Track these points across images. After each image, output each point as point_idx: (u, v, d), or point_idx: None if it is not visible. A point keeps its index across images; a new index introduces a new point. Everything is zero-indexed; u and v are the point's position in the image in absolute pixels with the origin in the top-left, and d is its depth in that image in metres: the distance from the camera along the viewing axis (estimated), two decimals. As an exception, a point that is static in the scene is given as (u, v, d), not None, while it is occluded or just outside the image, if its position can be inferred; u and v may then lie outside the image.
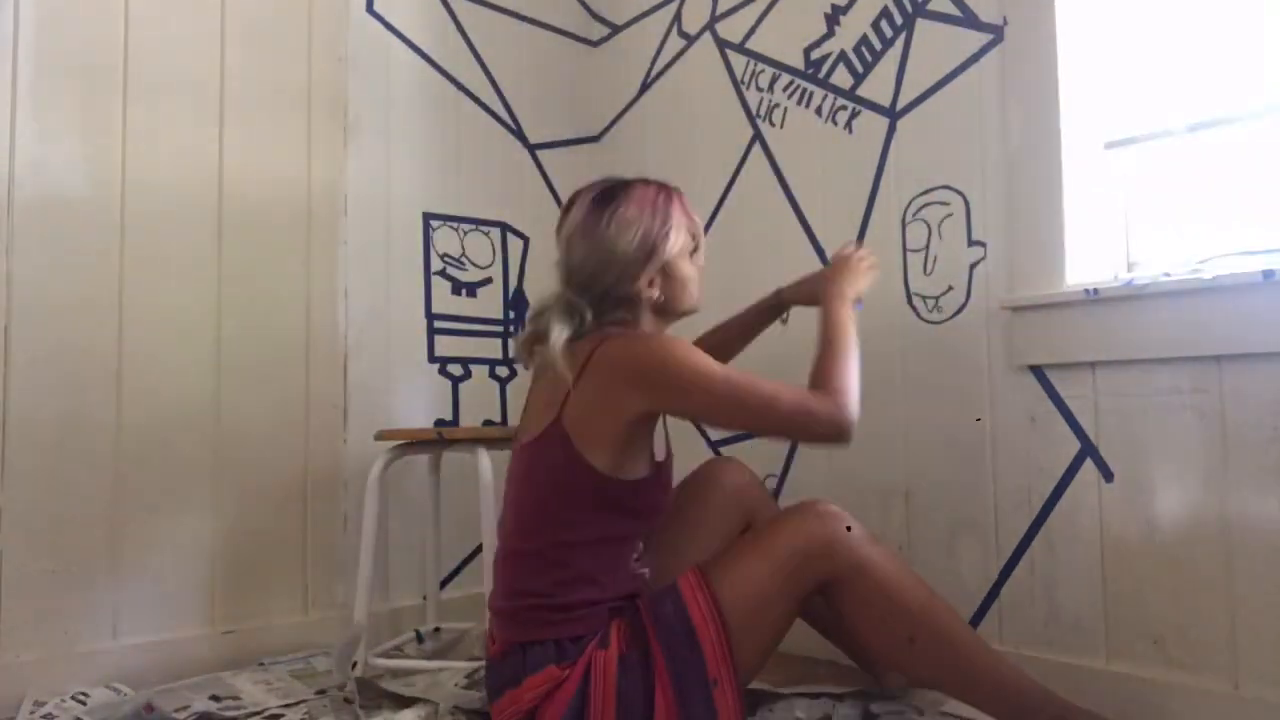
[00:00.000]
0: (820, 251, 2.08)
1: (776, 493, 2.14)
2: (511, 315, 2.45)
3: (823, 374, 1.38)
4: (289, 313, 2.13)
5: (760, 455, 2.17)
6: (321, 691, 1.80)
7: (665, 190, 1.47)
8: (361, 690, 1.74)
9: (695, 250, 1.49)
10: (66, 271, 1.84)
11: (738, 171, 2.26)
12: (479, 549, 2.05)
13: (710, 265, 1.58)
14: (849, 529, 1.37)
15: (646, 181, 1.48)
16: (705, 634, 1.30)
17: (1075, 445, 1.66)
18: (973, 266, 1.82)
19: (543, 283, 2.48)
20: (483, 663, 1.77)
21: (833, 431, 1.33)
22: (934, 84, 1.88)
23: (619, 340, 1.36)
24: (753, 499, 1.69)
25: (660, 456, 1.47)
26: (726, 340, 1.79)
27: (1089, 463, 1.64)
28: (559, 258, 1.47)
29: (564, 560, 1.36)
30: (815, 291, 1.60)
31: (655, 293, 1.43)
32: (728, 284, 1.91)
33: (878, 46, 1.99)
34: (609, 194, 1.44)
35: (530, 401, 1.49)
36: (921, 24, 1.91)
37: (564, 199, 2.56)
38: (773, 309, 1.78)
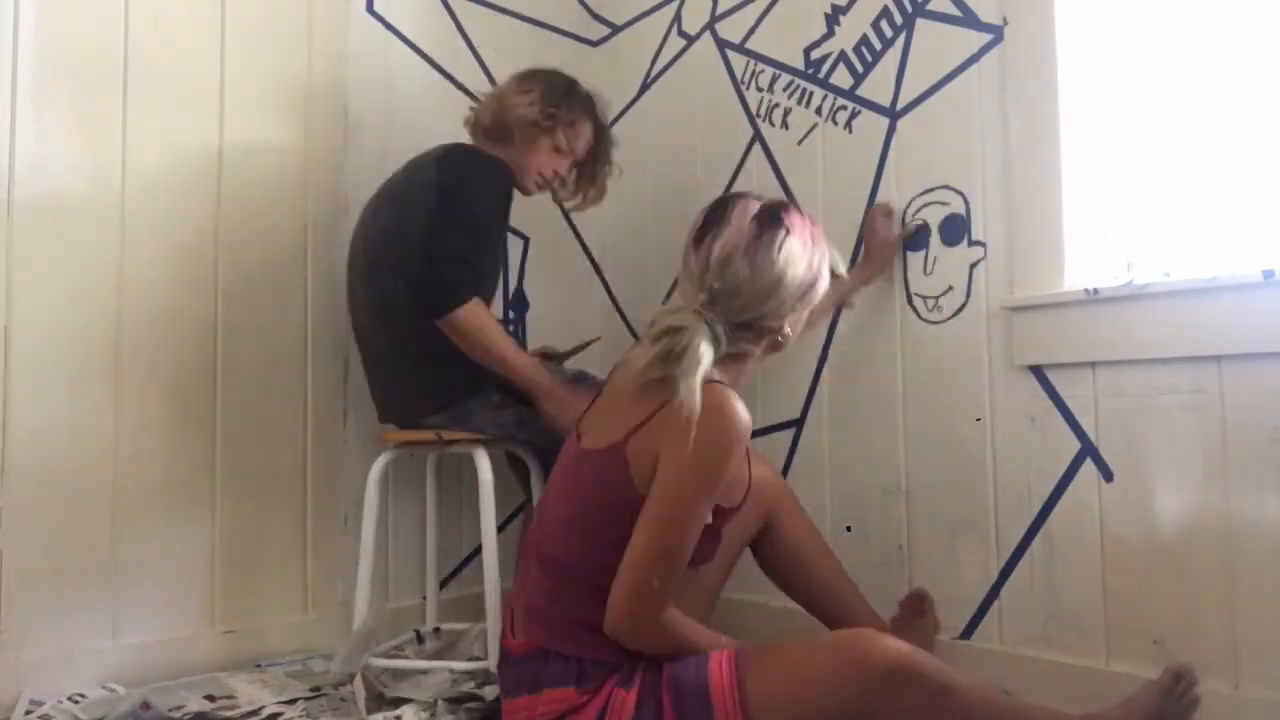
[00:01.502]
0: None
1: (776, 493, 2.14)
2: (511, 315, 2.45)
3: (682, 630, 1.30)
4: (289, 313, 2.13)
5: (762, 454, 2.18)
6: (317, 689, 1.81)
7: (813, 222, 1.41)
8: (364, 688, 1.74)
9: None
10: (66, 271, 1.84)
11: (738, 171, 2.26)
12: (479, 549, 2.05)
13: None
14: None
15: (799, 209, 1.40)
16: (720, 705, 1.21)
17: (1075, 445, 1.66)
18: (973, 266, 1.81)
19: (543, 282, 2.50)
20: (482, 663, 1.78)
21: (622, 636, 1.27)
22: (934, 84, 1.88)
23: (703, 402, 1.23)
24: (773, 494, 1.67)
25: (728, 504, 1.38)
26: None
27: (1089, 463, 1.64)
28: (702, 270, 1.33)
29: (602, 584, 1.27)
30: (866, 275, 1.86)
31: (792, 331, 1.38)
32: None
33: (878, 46, 1.99)
34: (774, 216, 1.35)
35: (604, 403, 1.42)
36: (921, 24, 1.91)
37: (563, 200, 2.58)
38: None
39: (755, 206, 1.37)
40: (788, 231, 1.34)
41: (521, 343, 1.93)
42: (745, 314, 1.32)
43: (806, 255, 1.35)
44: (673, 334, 1.27)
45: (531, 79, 1.98)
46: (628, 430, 1.30)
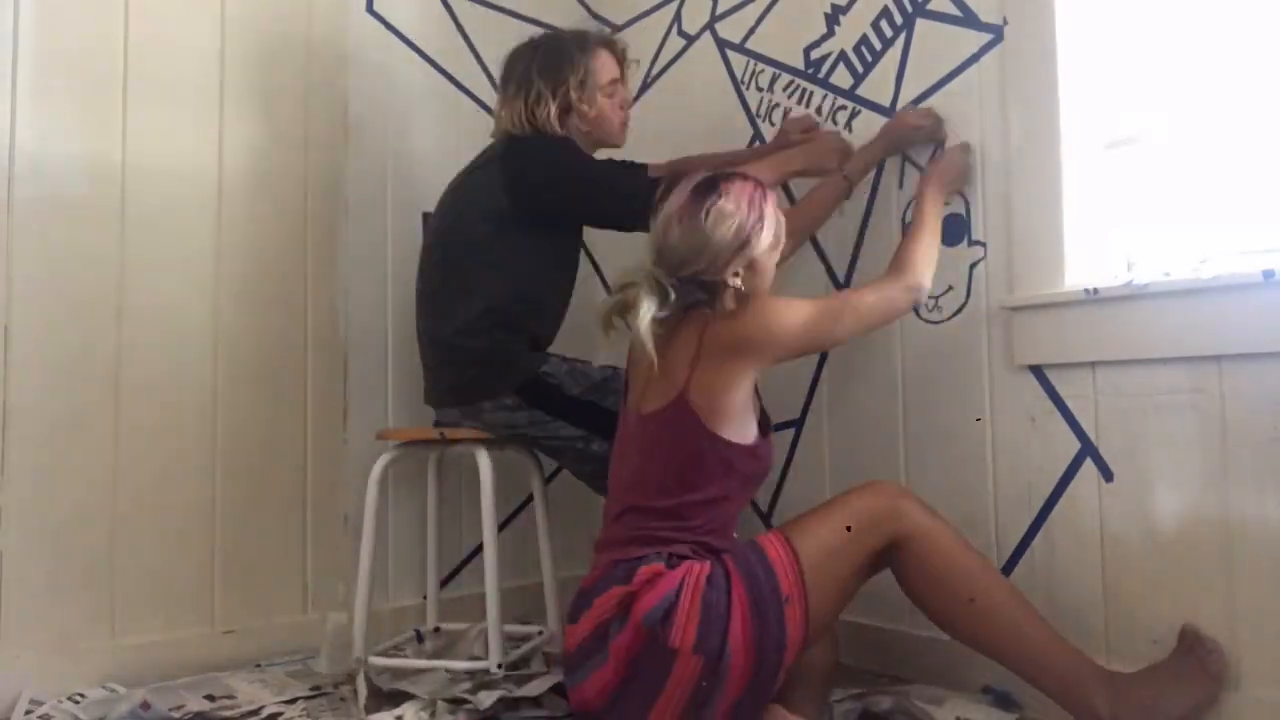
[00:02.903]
0: (820, 251, 2.08)
1: (777, 489, 2.14)
2: (511, 315, 2.45)
3: (903, 256, 1.62)
4: (289, 313, 2.13)
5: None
6: (317, 689, 1.81)
7: (760, 187, 1.55)
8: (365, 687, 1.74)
9: (777, 247, 1.57)
10: (66, 271, 1.85)
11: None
12: (479, 549, 2.05)
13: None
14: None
15: (745, 177, 1.56)
16: (780, 565, 1.44)
17: (1075, 445, 1.66)
18: (972, 266, 1.82)
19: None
20: (482, 663, 1.78)
21: (910, 301, 1.62)
22: (934, 84, 1.88)
23: (728, 320, 1.49)
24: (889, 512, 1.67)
25: (758, 415, 1.58)
26: (806, 221, 1.90)
27: (1089, 462, 1.64)
28: (652, 238, 1.55)
29: (685, 514, 1.48)
30: (876, 154, 1.90)
31: (738, 282, 1.51)
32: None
33: (878, 46, 1.99)
34: (710, 184, 1.52)
35: (638, 372, 1.58)
36: (921, 24, 1.91)
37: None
38: (845, 188, 1.89)
39: (694, 181, 1.54)
40: (719, 196, 1.50)
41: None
42: (685, 270, 1.50)
43: (738, 217, 1.49)
44: (624, 289, 1.53)
45: (528, 86, 1.92)
46: (682, 381, 1.49)
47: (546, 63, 1.93)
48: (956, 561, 1.48)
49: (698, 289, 1.52)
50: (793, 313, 1.52)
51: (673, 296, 1.50)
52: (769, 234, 1.52)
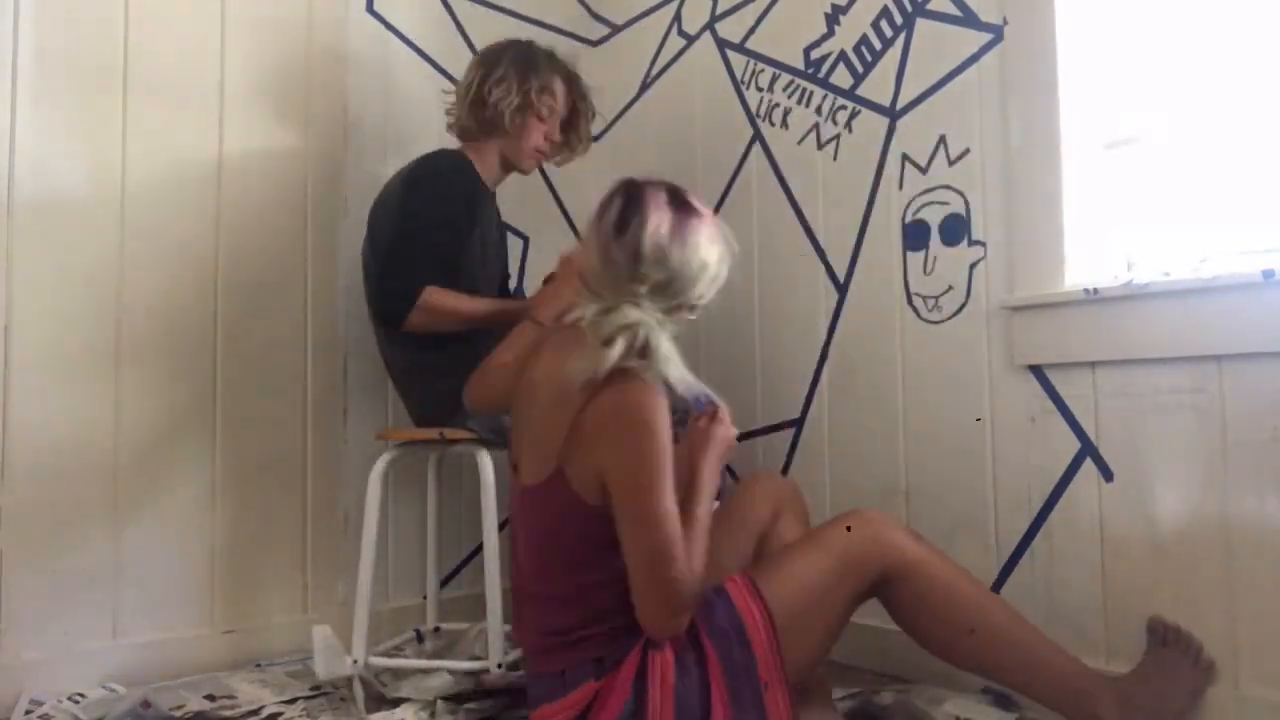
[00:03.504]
0: (820, 251, 2.08)
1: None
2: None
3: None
4: (289, 313, 2.12)
5: (760, 455, 2.18)
6: (317, 689, 1.81)
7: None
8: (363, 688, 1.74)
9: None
10: (66, 271, 1.84)
11: (737, 171, 2.26)
12: (479, 549, 2.05)
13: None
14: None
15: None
16: (757, 638, 1.30)
17: (1075, 445, 1.66)
18: (972, 266, 1.82)
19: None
20: (482, 662, 1.78)
21: (665, 629, 1.29)
22: (934, 83, 1.88)
23: (621, 392, 1.28)
24: (785, 498, 1.61)
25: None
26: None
27: (1089, 462, 1.64)
28: (631, 261, 1.32)
29: (586, 599, 1.33)
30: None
31: (693, 316, 1.41)
32: (726, 285, 1.91)
33: (878, 46, 1.99)
34: (687, 203, 1.38)
35: (520, 430, 1.42)
36: (921, 24, 1.91)
37: (563, 199, 2.58)
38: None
39: (663, 194, 1.37)
40: (701, 214, 1.38)
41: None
42: (677, 299, 1.36)
43: (718, 236, 1.40)
44: (627, 331, 1.29)
45: (493, 63, 1.96)
46: (556, 456, 1.31)
47: (520, 59, 1.96)
48: (955, 593, 1.40)
49: (672, 318, 1.38)
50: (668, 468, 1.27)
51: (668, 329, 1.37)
52: None
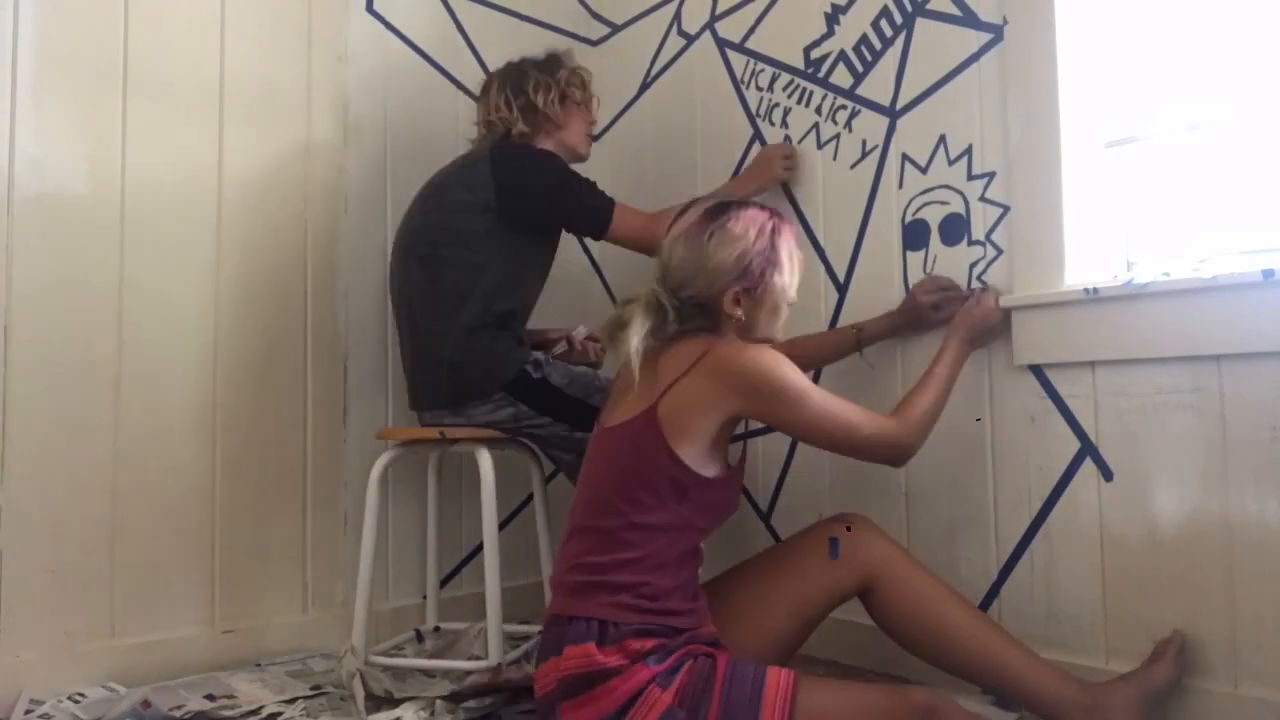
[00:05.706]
0: (820, 251, 2.08)
1: (777, 489, 2.14)
2: (511, 315, 2.45)
3: (911, 404, 1.53)
4: (289, 313, 2.12)
5: (760, 455, 2.18)
6: (317, 689, 1.81)
7: (778, 217, 1.52)
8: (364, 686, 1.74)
9: (788, 285, 1.51)
10: (66, 271, 1.84)
11: (737, 171, 2.26)
12: (479, 548, 2.05)
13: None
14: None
15: (762, 206, 1.53)
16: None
17: (1075, 445, 1.66)
18: (972, 266, 1.81)
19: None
20: (482, 662, 1.78)
21: (896, 457, 1.53)
22: (934, 83, 1.88)
23: (731, 347, 1.43)
24: (879, 573, 1.55)
25: (734, 461, 1.50)
26: (804, 359, 1.79)
27: (1089, 462, 1.64)
28: (659, 257, 1.53)
29: (627, 540, 1.39)
30: (895, 326, 1.85)
31: (739, 312, 1.47)
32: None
33: (877, 46, 1.99)
34: (722, 208, 1.50)
35: (620, 388, 1.51)
36: (921, 23, 1.91)
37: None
38: (853, 343, 1.87)
39: (715, 202, 1.53)
40: (728, 220, 1.48)
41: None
42: (684, 291, 1.47)
43: (741, 242, 1.46)
44: (625, 306, 1.49)
45: (520, 74, 2.04)
46: (657, 394, 1.41)
47: (539, 64, 2.06)
48: (924, 593, 1.51)
49: (698, 313, 1.48)
50: (806, 383, 1.43)
51: (671, 316, 1.47)
52: (777, 265, 1.47)
